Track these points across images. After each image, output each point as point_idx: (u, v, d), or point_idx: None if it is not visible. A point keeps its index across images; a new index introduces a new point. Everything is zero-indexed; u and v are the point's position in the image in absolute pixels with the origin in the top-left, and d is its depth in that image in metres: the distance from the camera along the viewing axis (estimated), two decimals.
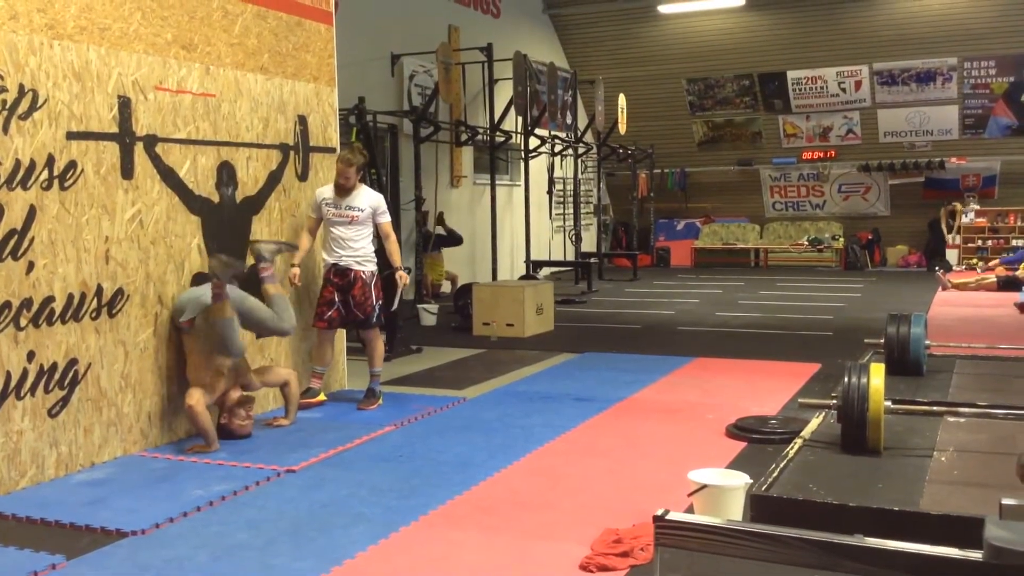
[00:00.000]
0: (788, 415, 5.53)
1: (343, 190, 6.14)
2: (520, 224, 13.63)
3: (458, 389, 6.77)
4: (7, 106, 4.40)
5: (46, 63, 4.59)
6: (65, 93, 4.69)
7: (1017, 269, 13.14)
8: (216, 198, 5.64)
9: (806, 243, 17.96)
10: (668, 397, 6.42)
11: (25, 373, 4.48)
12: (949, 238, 16.90)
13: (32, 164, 4.51)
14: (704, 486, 3.62)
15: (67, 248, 4.70)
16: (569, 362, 7.84)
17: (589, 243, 17.48)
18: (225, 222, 5.71)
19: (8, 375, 4.40)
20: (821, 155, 17.91)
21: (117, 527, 3.87)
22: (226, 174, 5.71)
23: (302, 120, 6.33)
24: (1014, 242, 16.00)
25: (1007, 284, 12.56)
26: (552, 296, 9.93)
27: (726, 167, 18.61)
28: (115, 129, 4.97)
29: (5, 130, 4.39)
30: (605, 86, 15.62)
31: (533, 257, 13.73)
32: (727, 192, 18.95)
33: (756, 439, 5.05)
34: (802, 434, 4.73)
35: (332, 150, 6.64)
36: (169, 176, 5.30)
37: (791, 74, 17.05)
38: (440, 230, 13.28)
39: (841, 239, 17.83)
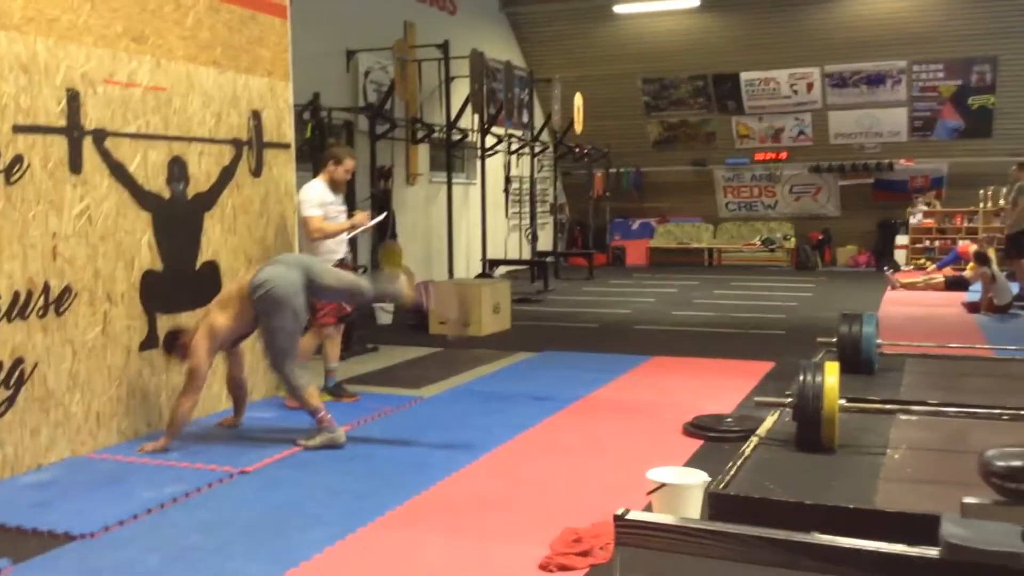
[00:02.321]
0: (743, 413, 5.57)
1: (340, 187, 6.21)
2: (476, 223, 13.60)
3: (415, 388, 6.72)
4: None
5: None
6: (11, 85, 4.56)
7: (962, 269, 13.40)
8: (167, 194, 5.53)
9: (758, 243, 18.16)
10: (626, 396, 6.43)
11: None
12: (897, 239, 17.20)
13: None
14: (663, 485, 3.62)
15: (13, 244, 4.57)
16: (527, 361, 7.83)
17: (545, 242, 17.50)
18: (177, 218, 5.59)
19: None
20: (773, 156, 18.11)
21: (65, 530, 3.77)
22: (177, 169, 5.60)
23: (256, 115, 6.23)
24: (960, 243, 16.32)
25: (954, 284, 12.81)
26: (509, 295, 9.91)
27: (680, 167, 18.73)
28: (63, 123, 4.84)
29: None
30: (562, 85, 15.64)
31: (489, 256, 13.70)
32: (681, 192, 19.09)
33: (712, 437, 5.08)
34: (758, 432, 4.76)
35: (286, 146, 6.55)
36: (119, 171, 5.19)
37: (744, 75, 17.22)
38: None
39: (792, 239, 18.05)
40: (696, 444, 5.06)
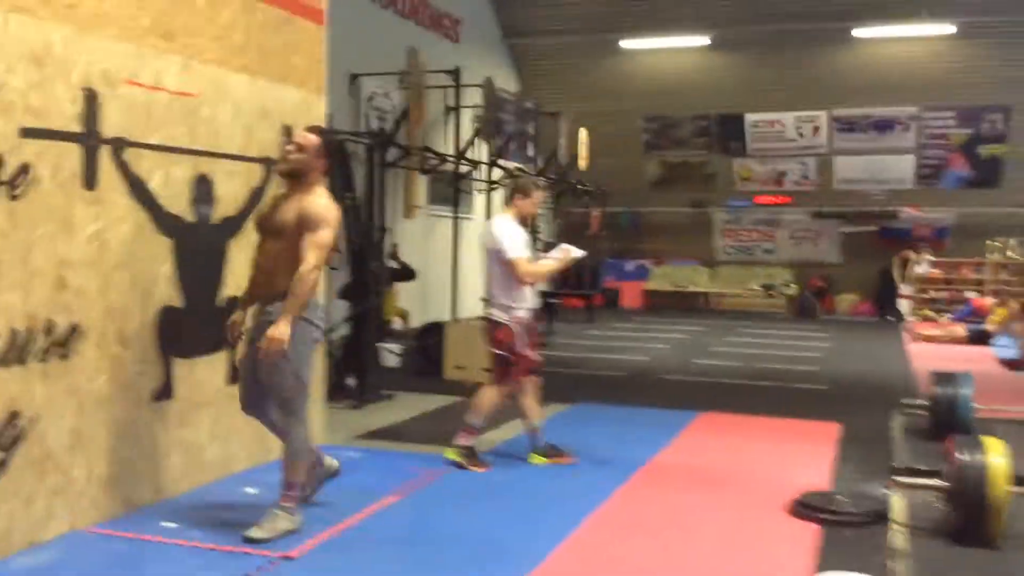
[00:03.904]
0: (854, 489, 4.84)
1: (528, 222, 5.55)
2: (474, 259, 12.86)
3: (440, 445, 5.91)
4: None
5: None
6: (20, 80, 3.76)
7: (982, 323, 12.93)
8: (191, 217, 4.73)
9: (760, 289, 17.63)
10: (695, 461, 5.70)
11: None
12: (901, 287, 16.76)
13: None
14: None
15: (14, 271, 3.74)
16: (564, 415, 7.06)
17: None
18: (200, 246, 4.79)
19: None
20: (775, 200, 17.66)
21: None
22: (203, 189, 4.81)
23: (288, 131, 5.45)
24: (967, 294, 15.91)
25: (977, 337, 12.31)
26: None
27: (678, 208, 18.21)
28: (78, 128, 4.04)
29: None
30: (549, 117, 15.04)
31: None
32: (678, 233, 18.55)
33: (830, 521, 4.35)
34: (894, 518, 4.06)
35: None
36: (138, 188, 4.38)
37: (750, 116, 16.79)
38: (393, 263, 12.41)
39: (794, 285, 17.55)
40: (809, 528, 4.33)
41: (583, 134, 15.46)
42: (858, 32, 15.39)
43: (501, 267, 5.35)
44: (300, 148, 4.12)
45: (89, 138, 4.09)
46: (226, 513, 4.33)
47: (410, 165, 11.36)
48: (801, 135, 16.67)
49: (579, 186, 15.69)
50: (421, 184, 13.87)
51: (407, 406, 7.29)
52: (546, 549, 3.96)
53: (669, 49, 16.24)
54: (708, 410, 7.31)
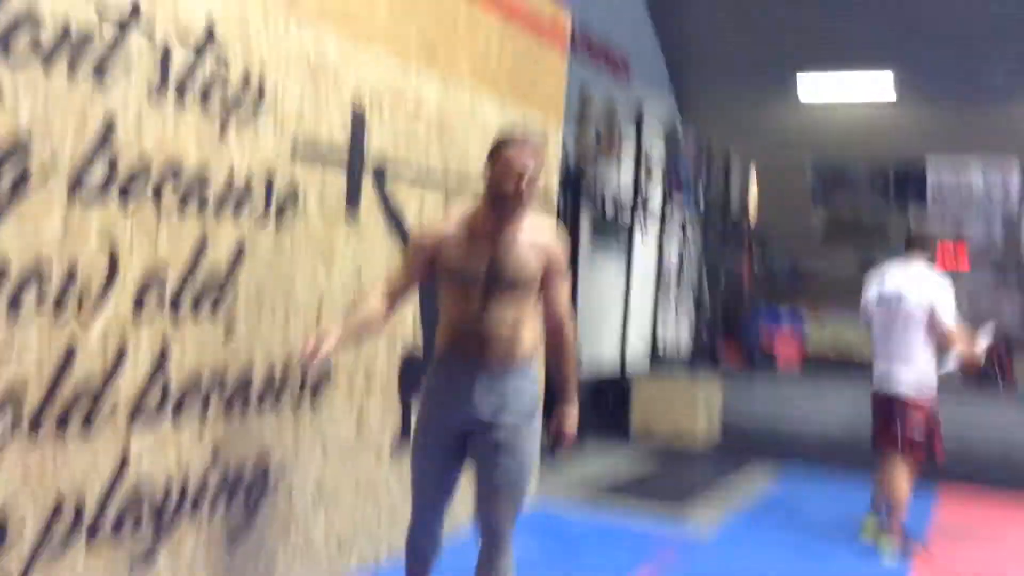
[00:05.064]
0: None
1: None
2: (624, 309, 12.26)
3: (673, 512, 5.30)
4: (228, 102, 3.10)
5: (278, 49, 3.31)
6: (296, 95, 3.40)
7: None
8: None
9: None
10: (988, 557, 4.90)
11: (205, 481, 3.10)
12: None
13: (247, 187, 3.20)
14: None
15: (276, 305, 3.36)
16: (787, 484, 6.33)
17: (680, 334, 16.02)
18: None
19: (181, 482, 3.02)
20: (953, 262, 16.44)
21: None
22: None
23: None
24: None
25: None
26: (720, 396, 8.48)
27: (844, 264, 17.16)
28: (346, 150, 3.66)
29: (222, 134, 3.09)
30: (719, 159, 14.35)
31: (633, 345, 12.31)
32: (840, 291, 17.46)
33: None
34: None
35: (550, 206, 5.31)
36: (394, 218, 3.98)
37: (932, 172, 15.71)
38: None
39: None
40: None
41: (754, 182, 14.72)
42: None
43: (927, 334, 4.64)
44: (529, 168, 2.80)
45: (355, 161, 3.71)
46: None
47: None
48: (989, 193, 15.50)
49: (747, 236, 14.92)
50: (586, 227, 13.39)
51: (590, 462, 6.69)
52: None
53: (848, 104, 15.36)
54: (944, 481, 6.46)
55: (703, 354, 13.08)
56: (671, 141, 11.24)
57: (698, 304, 14.13)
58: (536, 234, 2.91)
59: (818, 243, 17.23)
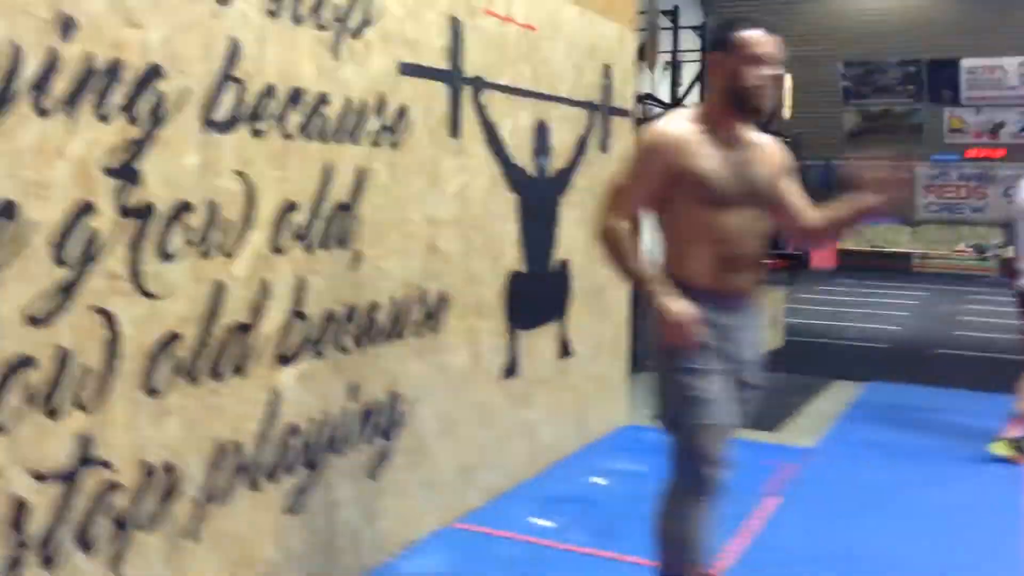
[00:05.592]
0: None
1: None
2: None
3: (772, 431, 5.24)
4: (338, 16, 2.92)
5: None
6: (398, 6, 3.21)
7: None
8: (532, 170, 4.15)
9: (970, 250, 16.25)
10: None
11: (344, 416, 3.02)
12: None
13: (362, 106, 3.04)
14: None
15: (393, 233, 3.23)
16: (870, 395, 6.25)
17: None
18: (538, 203, 4.22)
19: (323, 418, 2.94)
20: (988, 154, 16.17)
21: None
22: (542, 138, 4.22)
23: (607, 71, 4.82)
24: None
25: None
26: (783, 303, 8.36)
27: (877, 162, 16.90)
28: (445, 65, 3.48)
29: (335, 53, 2.91)
30: None
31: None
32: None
33: None
34: None
35: (627, 113, 5.12)
36: (492, 137, 3.82)
37: (965, 62, 15.32)
38: None
39: (1010, 248, 16.10)
40: None
41: (788, 80, 14.36)
42: None
43: None
44: (779, 61, 2.52)
45: (455, 77, 3.53)
46: (593, 510, 3.78)
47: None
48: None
49: (781, 138, 14.62)
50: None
51: None
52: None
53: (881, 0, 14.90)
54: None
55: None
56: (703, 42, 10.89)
57: None
58: (758, 137, 2.59)
59: (848, 142, 16.96)
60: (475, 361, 3.74)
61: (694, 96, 11.13)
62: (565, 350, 4.47)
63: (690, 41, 11.16)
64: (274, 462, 2.73)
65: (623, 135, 5.03)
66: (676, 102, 10.66)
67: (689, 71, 11.45)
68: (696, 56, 11.00)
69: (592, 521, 3.63)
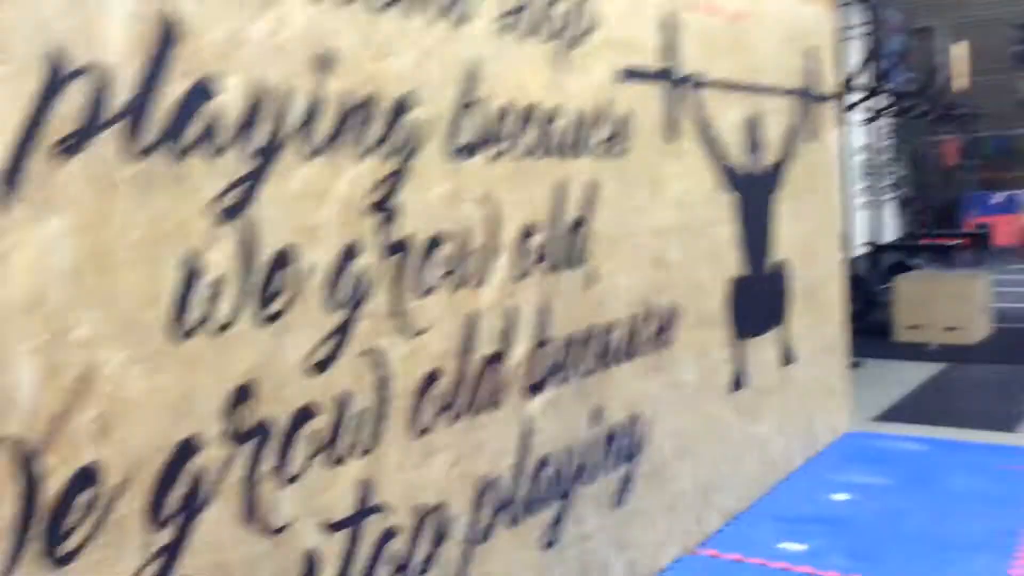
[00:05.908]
0: None
1: None
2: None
3: (1007, 431, 4.80)
4: (562, 26, 2.78)
5: None
6: (614, 9, 3.05)
7: None
8: (747, 167, 3.91)
9: None
10: None
11: (590, 442, 2.88)
12: None
13: (588, 117, 2.89)
14: None
15: (621, 247, 3.06)
16: None
17: (885, 223, 15.00)
18: (754, 202, 3.98)
19: (570, 446, 2.80)
20: None
21: None
22: (753, 133, 3.98)
23: (811, 56, 4.52)
24: None
25: None
26: (987, 287, 7.76)
27: None
28: (661, 65, 3.30)
29: (560, 65, 2.77)
30: (920, 34, 13.11)
31: (862, 239, 11.54)
32: None
33: None
34: None
35: (832, 99, 4.80)
36: (707, 136, 3.61)
37: None
38: None
39: None
40: None
41: (960, 48, 13.45)
42: None
43: None
44: None
45: (671, 77, 3.34)
46: (844, 530, 3.50)
47: None
48: None
49: (954, 112, 13.71)
50: None
51: (888, 378, 6.21)
52: None
53: None
54: None
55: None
56: (876, 18, 10.29)
57: (906, 193, 13.15)
58: None
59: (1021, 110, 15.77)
60: (705, 375, 3.54)
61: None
62: (788, 356, 4.20)
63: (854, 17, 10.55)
64: (529, 496, 2.61)
65: (830, 123, 4.72)
66: (847, 83, 10.12)
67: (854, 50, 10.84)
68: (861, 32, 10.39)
69: (846, 543, 3.36)
